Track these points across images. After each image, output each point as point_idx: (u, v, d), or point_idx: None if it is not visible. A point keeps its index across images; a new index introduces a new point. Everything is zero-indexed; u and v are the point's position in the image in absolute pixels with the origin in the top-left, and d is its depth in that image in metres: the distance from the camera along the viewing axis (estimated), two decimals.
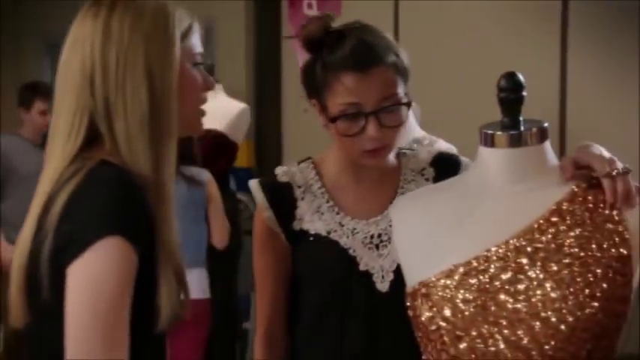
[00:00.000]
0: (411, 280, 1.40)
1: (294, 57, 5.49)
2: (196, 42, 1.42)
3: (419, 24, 5.04)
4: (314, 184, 1.72)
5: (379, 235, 1.66)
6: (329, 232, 1.68)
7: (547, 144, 1.39)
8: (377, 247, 1.65)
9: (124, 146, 1.33)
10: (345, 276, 1.65)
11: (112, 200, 1.26)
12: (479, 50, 4.75)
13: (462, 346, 1.29)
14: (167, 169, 1.36)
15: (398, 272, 1.59)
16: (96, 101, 1.33)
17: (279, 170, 1.75)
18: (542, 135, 1.38)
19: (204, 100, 1.44)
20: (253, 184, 1.75)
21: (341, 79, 1.58)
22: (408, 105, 1.62)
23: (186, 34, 1.39)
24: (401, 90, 1.61)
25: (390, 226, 1.59)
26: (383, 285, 1.64)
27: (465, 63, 4.78)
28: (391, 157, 1.71)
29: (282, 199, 1.71)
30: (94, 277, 1.24)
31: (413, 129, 3.18)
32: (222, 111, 4.38)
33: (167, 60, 1.34)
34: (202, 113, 1.44)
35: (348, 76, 1.58)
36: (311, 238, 1.68)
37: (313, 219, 1.69)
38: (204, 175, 3.57)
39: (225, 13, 5.70)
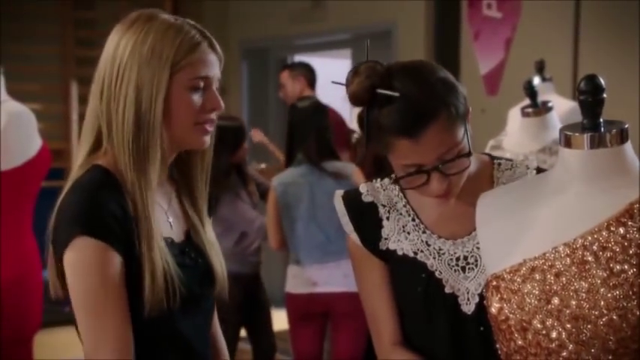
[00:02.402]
0: (488, 273, 1.46)
1: (473, 58, 5.54)
2: (204, 66, 1.57)
3: (600, 24, 4.91)
4: (398, 202, 1.71)
5: (465, 258, 1.65)
6: (416, 253, 1.68)
7: (628, 145, 1.40)
8: (463, 269, 1.65)
9: (116, 153, 1.55)
10: (430, 298, 1.65)
11: (79, 205, 1.49)
12: None
13: (528, 337, 1.34)
14: (147, 177, 1.54)
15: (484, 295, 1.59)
16: (102, 107, 1.56)
17: (363, 189, 1.73)
18: (623, 136, 1.39)
19: (206, 119, 1.59)
20: (338, 202, 1.74)
21: (396, 143, 1.56)
22: (468, 155, 1.58)
23: (184, 59, 1.54)
24: (460, 134, 1.57)
25: (477, 247, 1.61)
26: (468, 307, 1.63)
27: None
28: (475, 165, 1.69)
29: (367, 221, 1.71)
30: (77, 278, 1.48)
31: (557, 127, 3.16)
32: None
33: (155, 85, 1.53)
34: (203, 131, 1.59)
35: (402, 142, 1.55)
36: (398, 259, 1.69)
37: (400, 238, 1.69)
38: (349, 168, 3.70)
39: (404, 15, 5.80)
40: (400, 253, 1.69)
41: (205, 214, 1.71)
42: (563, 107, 4.19)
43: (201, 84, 1.57)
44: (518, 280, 1.37)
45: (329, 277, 3.66)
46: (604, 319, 1.29)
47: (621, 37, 4.80)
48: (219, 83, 1.62)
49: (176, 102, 1.56)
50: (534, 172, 1.70)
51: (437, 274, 1.66)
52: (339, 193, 1.75)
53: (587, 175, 1.40)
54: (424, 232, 1.69)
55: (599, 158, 1.39)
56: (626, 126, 1.40)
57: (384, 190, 1.73)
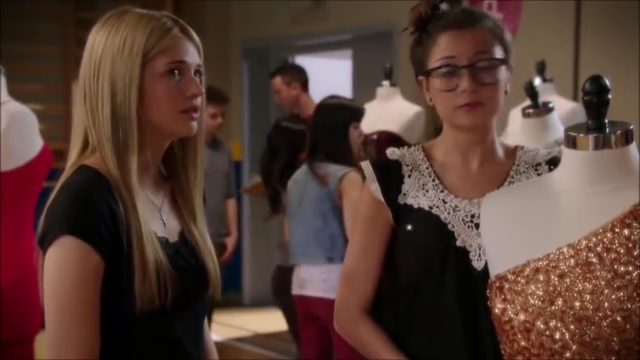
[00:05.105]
0: (491, 274, 1.46)
1: None
2: (178, 51, 1.57)
3: (601, 25, 4.91)
4: (422, 164, 1.81)
5: (480, 216, 1.66)
6: (431, 208, 1.75)
7: (632, 146, 1.40)
8: (476, 226, 1.70)
9: (100, 152, 1.55)
10: (441, 250, 1.72)
11: (68, 205, 1.49)
12: None
13: (531, 338, 1.34)
14: (131, 174, 1.54)
15: None
16: (86, 107, 1.57)
17: (389, 151, 1.85)
18: (627, 137, 1.39)
19: (189, 106, 1.58)
20: (364, 162, 1.85)
21: (440, 38, 1.74)
22: (503, 62, 1.73)
23: (156, 46, 1.55)
24: (498, 53, 1.74)
25: None
26: (479, 263, 1.69)
27: None
28: (501, 150, 1.80)
29: (390, 174, 1.81)
30: (53, 274, 1.48)
31: (558, 128, 3.17)
32: (397, 113, 4.49)
33: (128, 76, 1.53)
34: (189, 117, 1.59)
35: (446, 34, 1.74)
36: (413, 212, 1.76)
37: (418, 195, 1.77)
38: (339, 172, 3.53)
39: (405, 15, 5.77)
40: (416, 206, 1.77)
41: (200, 210, 1.70)
42: (564, 108, 4.19)
43: (177, 70, 1.57)
44: (522, 281, 1.37)
45: (310, 281, 3.65)
46: (608, 321, 1.29)
47: (622, 37, 4.80)
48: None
49: (153, 90, 1.55)
50: (547, 168, 1.77)
51: (449, 226, 1.73)
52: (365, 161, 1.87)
53: (591, 176, 1.39)
54: (442, 192, 1.78)
55: (604, 159, 1.39)
56: (631, 127, 1.40)
57: (409, 154, 1.84)
